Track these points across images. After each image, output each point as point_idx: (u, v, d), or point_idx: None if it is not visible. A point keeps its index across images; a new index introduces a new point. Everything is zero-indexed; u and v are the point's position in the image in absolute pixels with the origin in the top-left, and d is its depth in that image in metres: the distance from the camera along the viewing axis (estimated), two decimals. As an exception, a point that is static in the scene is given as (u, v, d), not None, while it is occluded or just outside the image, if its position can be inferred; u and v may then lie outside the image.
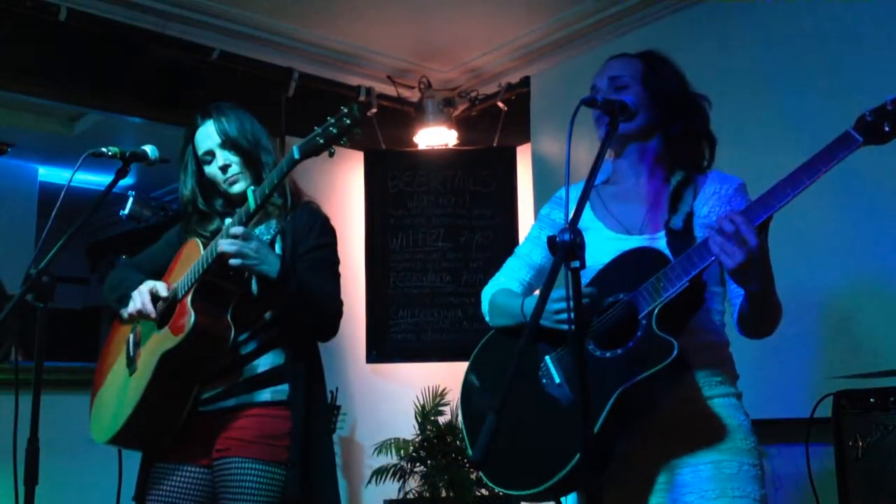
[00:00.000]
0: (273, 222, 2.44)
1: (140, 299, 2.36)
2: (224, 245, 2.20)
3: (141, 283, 2.43)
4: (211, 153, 2.48)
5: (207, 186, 2.54)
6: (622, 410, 1.77)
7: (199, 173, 2.53)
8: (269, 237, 2.43)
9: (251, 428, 2.34)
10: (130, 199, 6.22)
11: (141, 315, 2.36)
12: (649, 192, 2.07)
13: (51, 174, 5.76)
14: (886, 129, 1.66)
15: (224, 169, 2.46)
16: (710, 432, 1.92)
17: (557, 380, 1.91)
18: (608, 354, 1.83)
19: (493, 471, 1.93)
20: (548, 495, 1.85)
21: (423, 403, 4.60)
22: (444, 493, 4.35)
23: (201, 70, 4.43)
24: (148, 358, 2.34)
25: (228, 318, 2.32)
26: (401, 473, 4.47)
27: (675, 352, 1.73)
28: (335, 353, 4.66)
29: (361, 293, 4.78)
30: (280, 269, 2.27)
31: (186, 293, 2.30)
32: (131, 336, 2.48)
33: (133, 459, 2.47)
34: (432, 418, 4.55)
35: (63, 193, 2.29)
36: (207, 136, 2.48)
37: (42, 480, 2.05)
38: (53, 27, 4.02)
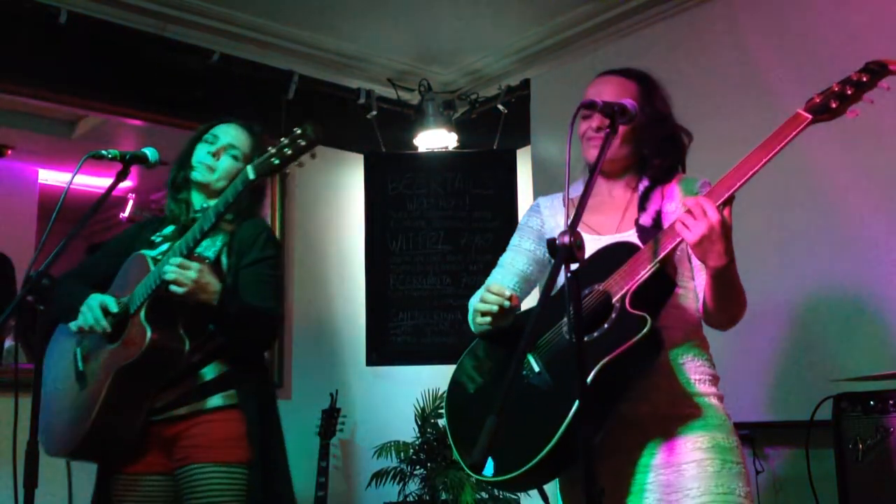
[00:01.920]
0: (220, 236, 2.49)
1: (91, 314, 2.36)
2: (167, 274, 2.25)
3: (82, 295, 2.43)
4: (215, 136, 2.55)
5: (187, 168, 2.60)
6: (603, 390, 1.79)
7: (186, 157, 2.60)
8: (214, 250, 2.48)
9: (206, 434, 2.39)
10: (130, 202, 6.23)
11: (92, 330, 2.37)
12: (621, 201, 2.14)
13: (51, 177, 5.77)
14: (833, 105, 1.79)
15: (215, 155, 2.53)
16: (693, 431, 1.94)
17: (537, 369, 1.93)
18: (585, 339, 1.84)
19: (474, 471, 1.93)
20: (528, 479, 1.85)
21: (423, 406, 4.60)
22: (443, 496, 4.35)
23: (201, 73, 4.43)
24: (101, 372, 2.36)
25: (181, 331, 2.36)
26: (401, 476, 4.47)
27: (649, 323, 1.78)
28: (335, 356, 4.66)
29: (361, 295, 4.77)
30: (219, 297, 2.31)
31: (139, 308, 2.33)
32: (78, 350, 2.47)
33: (83, 469, 2.48)
34: (432, 421, 4.55)
35: (63, 196, 2.29)
36: (233, 135, 2.57)
37: (42, 483, 2.05)
38: (53, 30, 4.02)
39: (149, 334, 2.27)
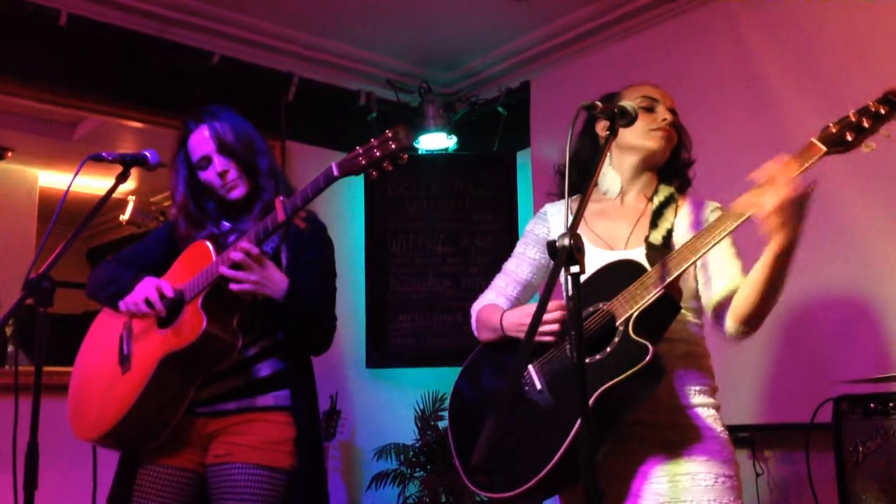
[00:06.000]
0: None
1: (145, 294, 2.30)
2: (224, 271, 2.21)
3: (135, 279, 2.38)
4: (207, 159, 2.45)
5: (199, 190, 2.52)
6: (602, 414, 1.79)
7: (191, 178, 2.51)
8: (273, 245, 2.43)
9: (254, 433, 2.33)
10: (131, 204, 6.23)
11: (144, 311, 2.30)
12: (633, 211, 2.13)
13: (51, 179, 5.77)
14: (849, 138, 1.73)
15: (223, 175, 2.44)
16: (688, 443, 1.95)
17: (539, 386, 1.94)
18: (587, 360, 1.85)
19: (476, 476, 1.94)
20: (527, 498, 1.86)
21: (423, 408, 4.60)
22: (443, 499, 4.35)
23: (201, 74, 4.43)
24: (147, 357, 2.31)
25: (235, 323, 2.31)
26: (401, 478, 4.47)
27: (650, 354, 1.77)
28: (335, 358, 4.66)
29: (361, 298, 4.78)
30: (286, 292, 2.27)
31: (197, 295, 2.27)
32: (124, 334, 2.43)
33: (111, 460, 2.45)
34: (432, 423, 4.56)
35: (63, 198, 2.28)
36: (202, 141, 2.45)
37: (42, 485, 2.05)
38: (53, 32, 4.02)
39: (204, 323, 2.20)
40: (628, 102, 1.94)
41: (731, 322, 1.96)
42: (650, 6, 4.22)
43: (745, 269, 1.97)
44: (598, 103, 1.92)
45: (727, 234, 1.81)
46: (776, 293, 1.89)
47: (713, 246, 1.81)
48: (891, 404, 2.84)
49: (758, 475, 3.52)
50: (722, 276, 2.00)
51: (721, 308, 1.98)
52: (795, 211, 1.73)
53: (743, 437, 3.50)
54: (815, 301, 3.42)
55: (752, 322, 1.94)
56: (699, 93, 3.73)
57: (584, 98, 1.94)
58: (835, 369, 3.20)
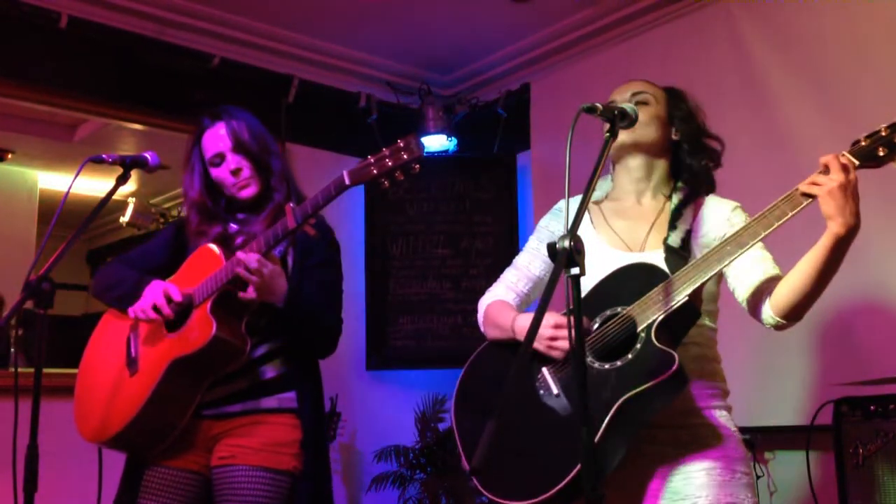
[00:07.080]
0: None
1: (153, 300, 2.30)
2: (239, 271, 2.20)
3: (140, 281, 2.38)
4: (221, 156, 2.45)
5: (213, 188, 2.52)
6: (622, 422, 1.77)
7: (206, 175, 2.51)
8: (280, 249, 2.42)
9: (258, 435, 2.32)
10: (130, 206, 6.23)
11: (153, 318, 2.30)
12: (651, 210, 2.11)
13: (51, 181, 5.77)
14: (880, 153, 1.72)
15: (236, 173, 2.44)
16: (702, 441, 1.94)
17: (555, 391, 1.92)
18: (607, 366, 1.84)
19: (489, 480, 1.91)
20: None
21: (424, 410, 4.60)
22: (444, 501, 4.35)
23: (201, 76, 4.43)
24: (155, 361, 2.31)
25: (243, 327, 2.31)
26: (401, 480, 4.46)
27: (676, 364, 1.75)
28: (335, 360, 4.61)
29: (361, 300, 4.78)
30: (286, 297, 2.27)
31: (205, 300, 2.27)
32: (132, 336, 2.42)
33: (115, 461, 2.44)
34: (432, 425, 4.55)
35: (63, 200, 2.28)
36: (218, 138, 2.45)
37: (42, 487, 2.04)
38: (54, 34, 4.02)
39: (214, 328, 2.20)
40: (628, 104, 1.94)
41: (772, 312, 1.92)
42: (650, 8, 4.22)
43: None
44: (599, 105, 1.92)
45: (769, 233, 1.80)
46: (826, 282, 1.86)
47: (748, 249, 1.80)
48: (891, 406, 2.84)
49: (758, 477, 3.52)
50: (756, 268, 1.98)
51: (758, 298, 1.95)
52: (851, 195, 1.72)
53: (743, 438, 3.49)
54: (815, 302, 3.41)
55: (795, 313, 1.91)
56: (699, 94, 3.69)
57: (585, 100, 1.94)
58: (835, 372, 3.19)
